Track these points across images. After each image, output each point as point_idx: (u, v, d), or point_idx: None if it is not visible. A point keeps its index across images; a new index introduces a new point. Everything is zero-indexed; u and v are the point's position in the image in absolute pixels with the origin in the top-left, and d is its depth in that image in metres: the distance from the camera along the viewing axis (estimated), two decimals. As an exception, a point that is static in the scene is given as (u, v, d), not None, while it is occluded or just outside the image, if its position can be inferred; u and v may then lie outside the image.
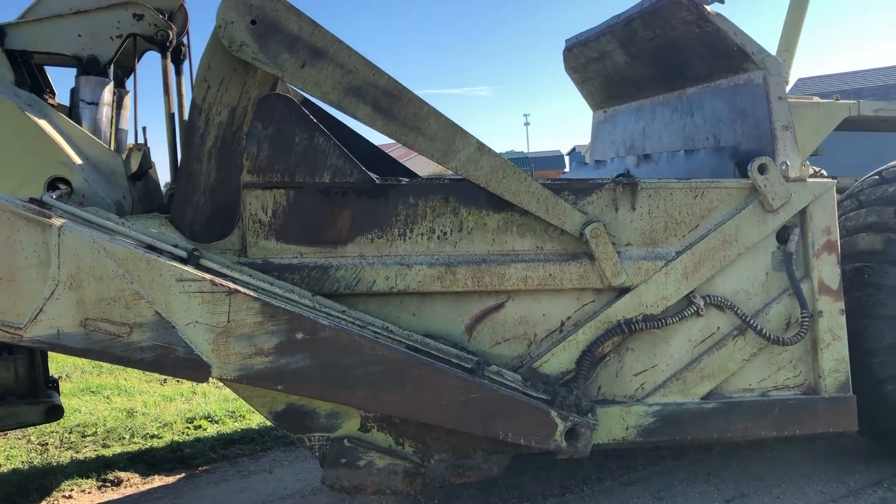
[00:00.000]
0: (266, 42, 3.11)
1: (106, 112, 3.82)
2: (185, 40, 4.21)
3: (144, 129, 4.62)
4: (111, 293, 2.88)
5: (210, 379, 3.04)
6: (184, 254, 3.08)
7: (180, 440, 5.60)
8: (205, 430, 5.85)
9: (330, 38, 3.16)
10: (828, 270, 3.79)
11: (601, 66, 4.99)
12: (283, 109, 3.25)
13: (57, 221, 2.88)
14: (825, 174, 4.59)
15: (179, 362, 2.96)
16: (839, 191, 4.46)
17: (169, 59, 4.00)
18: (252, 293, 3.02)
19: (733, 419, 3.70)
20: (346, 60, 3.19)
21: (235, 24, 3.08)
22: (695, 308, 3.64)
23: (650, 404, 3.62)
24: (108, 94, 3.80)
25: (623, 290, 3.58)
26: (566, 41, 5.19)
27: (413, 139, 3.30)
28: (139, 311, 2.90)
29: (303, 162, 3.26)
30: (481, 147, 3.35)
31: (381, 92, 3.23)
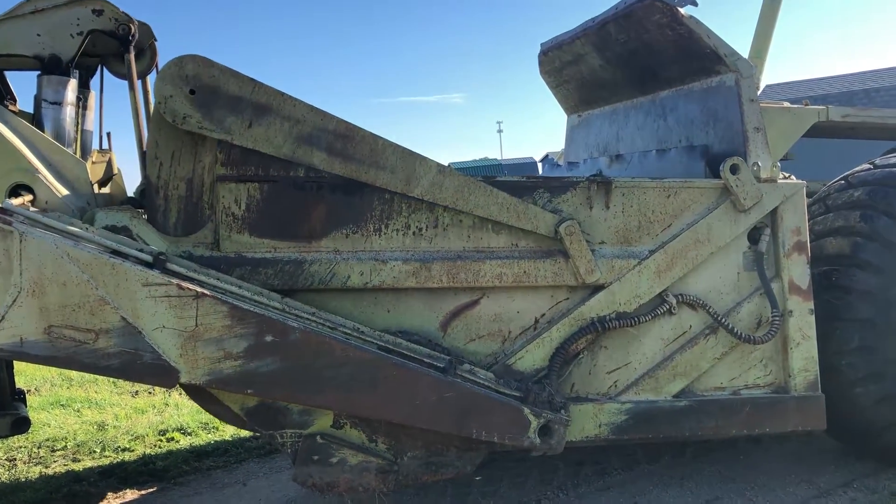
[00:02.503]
0: (209, 109, 3.10)
1: (69, 112, 3.77)
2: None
3: (109, 134, 4.57)
4: (75, 299, 2.83)
5: (178, 385, 2.99)
6: (149, 258, 3.02)
7: (152, 453, 5.49)
8: (177, 442, 5.75)
9: (272, 92, 3.16)
10: (798, 270, 3.84)
11: (576, 69, 5.03)
12: None
13: (18, 228, 2.82)
14: (794, 179, 4.66)
15: (147, 368, 2.92)
16: (808, 196, 4.53)
17: (132, 54, 3.97)
18: (220, 296, 2.99)
19: (704, 417, 3.72)
20: (292, 111, 3.19)
21: (175, 98, 3.07)
22: (667, 306, 3.66)
23: (623, 402, 3.63)
24: (71, 93, 3.74)
25: (597, 288, 3.59)
26: (541, 45, 5.23)
27: (374, 175, 3.30)
28: (105, 316, 2.86)
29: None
30: (442, 169, 3.36)
31: (333, 135, 3.24)
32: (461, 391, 3.26)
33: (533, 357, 3.51)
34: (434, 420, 3.25)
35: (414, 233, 3.40)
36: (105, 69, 4.33)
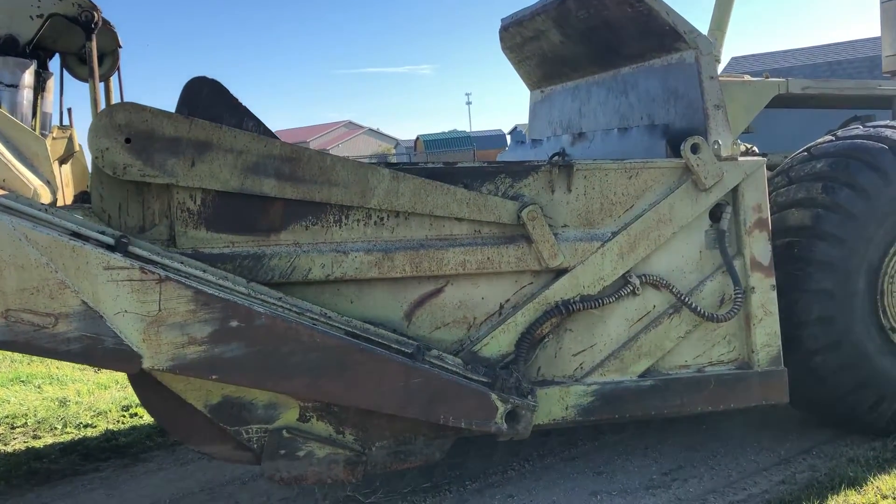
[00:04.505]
0: (148, 155, 3.02)
1: (27, 95, 3.68)
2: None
3: (70, 110, 4.48)
4: (34, 283, 2.77)
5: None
6: (111, 241, 2.96)
7: (115, 429, 5.45)
8: (141, 417, 5.69)
9: (209, 127, 3.08)
10: (759, 247, 3.87)
11: (537, 45, 4.98)
12: (211, 94, 3.16)
13: None
14: (756, 151, 4.67)
15: (108, 353, 2.88)
16: (770, 167, 4.55)
17: (94, 42, 3.87)
18: (184, 281, 2.94)
19: (670, 396, 3.77)
20: (233, 143, 3.11)
21: (111, 150, 2.98)
22: (631, 287, 3.68)
23: (589, 383, 3.66)
24: (28, 76, 3.65)
25: (560, 272, 3.60)
26: (502, 20, 5.16)
27: (327, 193, 3.25)
28: (65, 300, 2.80)
29: None
30: (396, 175, 3.32)
31: (279, 160, 3.17)
32: (429, 377, 3.26)
33: (499, 343, 3.52)
34: (401, 406, 3.25)
35: (375, 222, 3.36)
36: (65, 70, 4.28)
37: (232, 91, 3.21)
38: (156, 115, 3.02)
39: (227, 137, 3.10)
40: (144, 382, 3.16)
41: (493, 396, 3.35)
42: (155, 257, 3.01)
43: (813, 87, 4.78)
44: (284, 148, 3.18)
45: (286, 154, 3.18)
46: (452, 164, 3.49)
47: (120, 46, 4.21)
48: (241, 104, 3.19)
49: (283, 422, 3.27)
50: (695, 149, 3.70)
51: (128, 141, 2.99)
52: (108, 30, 4.11)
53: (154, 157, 3.03)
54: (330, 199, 3.26)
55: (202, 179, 3.10)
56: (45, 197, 3.38)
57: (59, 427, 5.52)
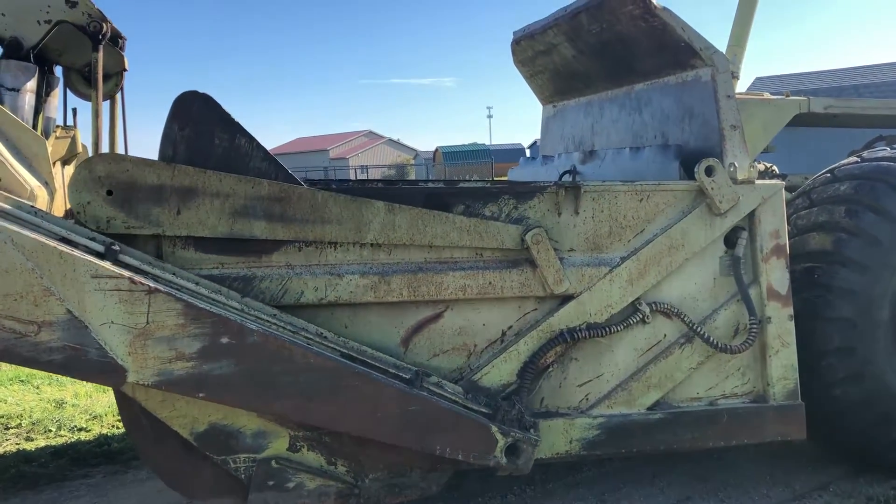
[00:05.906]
0: (132, 206, 2.92)
1: (29, 99, 3.63)
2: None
3: (74, 110, 4.42)
4: (18, 288, 2.66)
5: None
6: (101, 248, 2.85)
7: (109, 434, 5.36)
8: (136, 423, 5.61)
9: (192, 172, 2.97)
10: (776, 275, 3.69)
11: (549, 59, 4.84)
12: (202, 109, 3.05)
13: None
14: (777, 170, 4.49)
15: (92, 365, 2.75)
16: (791, 189, 4.37)
17: (101, 52, 3.81)
18: (174, 293, 2.82)
19: (680, 429, 3.59)
20: (219, 186, 3.00)
21: (93, 203, 2.89)
22: (640, 315, 3.52)
23: (594, 416, 3.50)
24: (32, 81, 3.61)
25: (566, 298, 3.44)
26: (514, 33, 5.05)
27: (321, 231, 3.13)
28: (49, 308, 2.68)
29: (224, 165, 3.05)
30: (391, 207, 3.19)
31: (269, 200, 3.06)
32: (426, 405, 3.12)
33: (500, 371, 3.37)
34: (396, 434, 3.11)
35: (371, 244, 3.23)
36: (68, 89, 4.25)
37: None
38: (137, 165, 2.92)
39: (213, 181, 2.99)
40: (131, 409, 3.05)
41: (494, 429, 3.20)
42: (146, 267, 2.91)
43: (836, 106, 4.61)
44: (273, 188, 3.06)
45: (275, 194, 3.06)
46: (454, 182, 3.35)
47: (125, 69, 4.16)
48: (232, 119, 3.07)
49: (272, 451, 3.13)
50: (709, 171, 3.54)
51: (109, 193, 2.90)
52: (115, 51, 4.06)
53: (138, 208, 2.93)
54: (324, 238, 3.14)
55: (189, 227, 3.00)
56: (42, 198, 3.31)
57: (53, 429, 5.45)
